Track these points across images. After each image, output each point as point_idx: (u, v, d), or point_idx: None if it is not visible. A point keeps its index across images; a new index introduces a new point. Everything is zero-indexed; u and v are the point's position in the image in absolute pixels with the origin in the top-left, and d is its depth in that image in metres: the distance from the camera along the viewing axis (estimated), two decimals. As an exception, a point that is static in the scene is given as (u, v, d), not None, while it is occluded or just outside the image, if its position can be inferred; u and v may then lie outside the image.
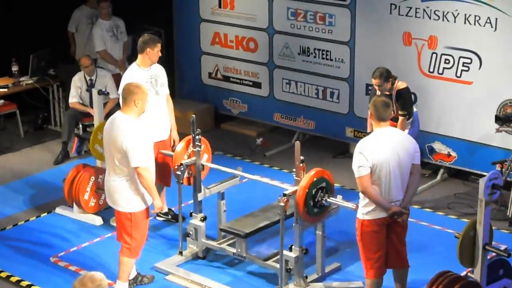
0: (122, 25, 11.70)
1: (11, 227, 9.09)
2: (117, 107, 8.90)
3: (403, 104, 8.85)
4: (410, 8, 9.86)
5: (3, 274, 8.09)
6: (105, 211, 9.24)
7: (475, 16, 9.40)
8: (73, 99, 10.80)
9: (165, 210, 8.98)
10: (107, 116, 9.87)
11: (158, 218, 9.06)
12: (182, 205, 8.27)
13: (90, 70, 10.74)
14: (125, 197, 7.30)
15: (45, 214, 9.39)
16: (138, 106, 7.22)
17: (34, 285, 7.88)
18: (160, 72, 8.64)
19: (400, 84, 8.92)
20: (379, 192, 6.82)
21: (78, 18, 12.04)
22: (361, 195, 6.91)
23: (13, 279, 8.02)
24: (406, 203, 6.95)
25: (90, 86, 10.54)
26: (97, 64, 11.42)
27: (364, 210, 6.92)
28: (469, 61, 9.55)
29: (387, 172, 6.80)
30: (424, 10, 9.75)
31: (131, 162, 7.13)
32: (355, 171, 6.83)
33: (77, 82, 10.73)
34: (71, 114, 10.95)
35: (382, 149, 6.81)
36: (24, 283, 7.93)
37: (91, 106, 9.97)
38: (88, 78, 10.73)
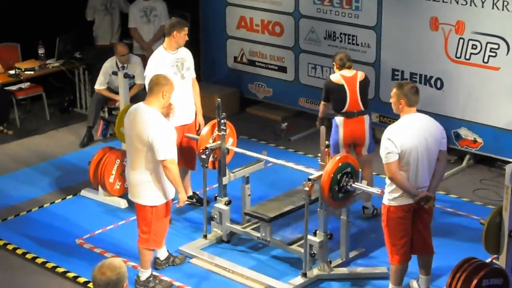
0: (160, 8, 11.66)
1: (37, 209, 9.14)
2: (143, 91, 8.89)
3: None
4: (438, -8, 9.79)
5: (29, 256, 8.15)
6: (130, 194, 9.28)
7: (503, 1, 9.30)
8: (100, 86, 10.77)
9: (190, 193, 8.99)
10: (132, 99, 9.92)
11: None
12: (207, 189, 8.27)
13: (126, 58, 10.64)
14: (148, 191, 7.22)
15: (71, 196, 9.43)
16: (165, 99, 7.17)
17: (59, 267, 7.93)
18: (186, 56, 8.64)
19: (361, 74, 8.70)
20: (406, 178, 6.79)
21: (92, 5, 12.05)
22: (387, 181, 6.88)
23: (39, 260, 8.07)
24: (432, 189, 6.92)
25: (118, 70, 10.48)
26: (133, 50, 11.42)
27: (391, 196, 6.90)
28: (496, 46, 9.47)
29: (415, 158, 6.77)
30: (451, -5, 9.69)
31: (157, 155, 7.04)
32: (383, 157, 6.79)
33: (108, 69, 10.59)
34: (97, 99, 10.96)
35: (410, 135, 6.77)
36: (49, 265, 7.98)
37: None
38: (120, 65, 10.67)
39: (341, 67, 8.58)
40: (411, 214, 6.96)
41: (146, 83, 8.41)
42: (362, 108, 8.53)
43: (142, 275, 7.54)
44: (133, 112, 7.25)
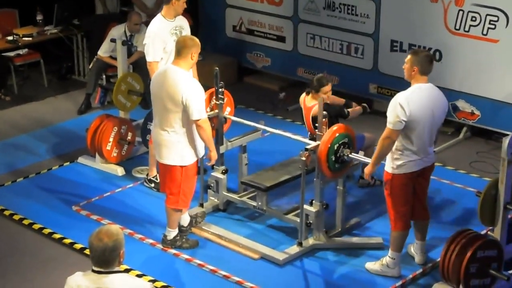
0: None
1: (34, 175, 9.15)
2: (143, 59, 8.83)
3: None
4: (438, -36, 9.76)
5: (26, 222, 8.17)
6: (127, 162, 9.29)
7: (504, -27, 9.28)
8: (104, 53, 10.72)
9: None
10: (133, 68, 9.92)
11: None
12: (204, 157, 8.27)
13: (137, 28, 10.58)
14: (179, 151, 7.27)
15: (68, 163, 9.44)
16: (193, 60, 7.23)
17: (56, 233, 7.95)
18: (184, 24, 8.61)
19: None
20: (409, 146, 6.84)
21: None
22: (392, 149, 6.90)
23: (35, 226, 8.09)
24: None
25: (128, 40, 10.42)
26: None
27: (394, 164, 6.95)
28: (496, 19, 9.45)
29: (419, 127, 6.79)
30: (452, -34, 9.65)
31: (192, 115, 7.10)
32: (390, 121, 6.76)
33: (116, 36, 10.33)
34: (98, 67, 10.92)
35: (420, 105, 6.79)
36: (46, 231, 8.00)
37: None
38: (128, 34, 10.62)
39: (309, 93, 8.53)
40: (413, 181, 7.03)
41: (145, 50, 8.40)
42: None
43: (169, 234, 7.62)
44: (162, 73, 7.29)
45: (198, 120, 7.15)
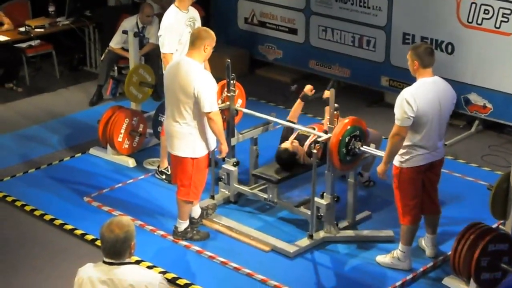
0: None
1: (45, 166, 9.17)
2: (155, 51, 8.81)
3: None
4: (451, -44, 9.72)
5: (37, 213, 8.19)
6: (139, 153, 9.30)
7: (517, -34, 9.25)
8: (116, 45, 10.71)
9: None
10: (145, 60, 9.90)
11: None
12: (215, 149, 8.27)
13: (149, 20, 10.55)
14: (190, 143, 7.28)
15: (79, 154, 9.46)
16: (206, 52, 7.24)
17: (67, 224, 7.97)
18: (196, 15, 8.60)
19: None
20: (417, 140, 6.82)
21: None
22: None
23: (47, 217, 8.12)
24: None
25: (140, 32, 10.39)
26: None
27: (403, 158, 6.93)
28: (508, 12, 9.41)
29: (427, 122, 6.78)
30: (465, -42, 9.62)
31: (203, 107, 7.10)
32: (398, 118, 6.74)
33: (127, 28, 10.22)
34: (110, 58, 10.92)
35: (426, 99, 6.76)
36: (57, 222, 8.02)
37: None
38: (141, 26, 10.62)
39: None
40: (422, 175, 7.01)
41: (160, 42, 8.39)
42: None
43: (180, 226, 7.64)
44: (176, 65, 7.31)
45: (209, 112, 7.15)
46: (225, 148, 7.50)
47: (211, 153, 7.68)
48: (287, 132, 8.29)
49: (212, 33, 7.31)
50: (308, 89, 8.41)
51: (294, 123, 8.26)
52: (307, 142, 7.94)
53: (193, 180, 7.42)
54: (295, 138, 8.10)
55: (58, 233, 7.91)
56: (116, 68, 11.21)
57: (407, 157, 6.92)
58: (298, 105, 8.43)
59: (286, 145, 7.99)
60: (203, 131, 7.31)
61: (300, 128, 8.10)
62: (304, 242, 7.60)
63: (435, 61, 6.92)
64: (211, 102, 7.14)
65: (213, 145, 7.47)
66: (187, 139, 7.29)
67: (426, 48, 6.89)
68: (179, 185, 7.50)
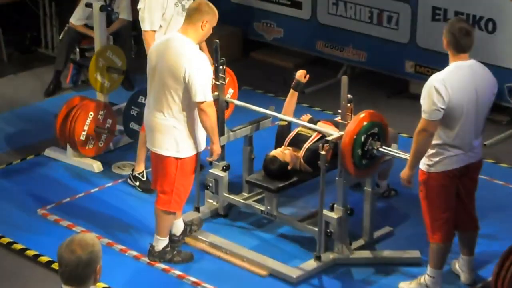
0: None
1: (-10, 171, 9.21)
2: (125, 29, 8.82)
3: None
4: None
5: (-20, 228, 8.21)
6: (106, 155, 9.33)
7: None
8: (77, 21, 10.72)
9: None
10: (114, 39, 9.88)
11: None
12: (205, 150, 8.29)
13: None
14: (176, 139, 7.27)
15: (32, 156, 9.48)
16: (204, 30, 7.25)
17: (16, 243, 7.97)
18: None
19: None
20: (448, 138, 6.83)
21: None
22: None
23: (-8, 234, 8.14)
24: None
25: (108, 5, 10.38)
26: None
27: (430, 161, 6.92)
28: None
29: (466, 113, 6.76)
30: None
31: (194, 95, 7.10)
32: (425, 110, 6.74)
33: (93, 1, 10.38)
34: (70, 37, 10.91)
35: (459, 87, 6.75)
36: (4, 240, 8.02)
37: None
38: None
39: None
40: (455, 182, 7.00)
41: (140, 17, 8.38)
42: None
43: (157, 244, 7.62)
44: (165, 42, 7.32)
45: (201, 102, 7.13)
46: (217, 149, 7.48)
47: (200, 155, 7.67)
48: (283, 130, 8.30)
49: (215, 9, 7.31)
50: (300, 75, 8.43)
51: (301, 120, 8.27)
52: (306, 145, 7.95)
53: (176, 186, 7.42)
54: (290, 141, 8.10)
55: (5, 253, 7.91)
56: (78, 50, 11.21)
57: (436, 159, 6.91)
58: (291, 96, 8.44)
59: (275, 152, 7.99)
60: (192, 126, 7.29)
61: (307, 125, 8.10)
62: (310, 265, 7.62)
63: (473, 43, 6.91)
64: (204, 90, 7.12)
65: (203, 144, 7.46)
66: (170, 134, 7.27)
67: (462, 28, 6.88)
68: (158, 192, 7.50)
